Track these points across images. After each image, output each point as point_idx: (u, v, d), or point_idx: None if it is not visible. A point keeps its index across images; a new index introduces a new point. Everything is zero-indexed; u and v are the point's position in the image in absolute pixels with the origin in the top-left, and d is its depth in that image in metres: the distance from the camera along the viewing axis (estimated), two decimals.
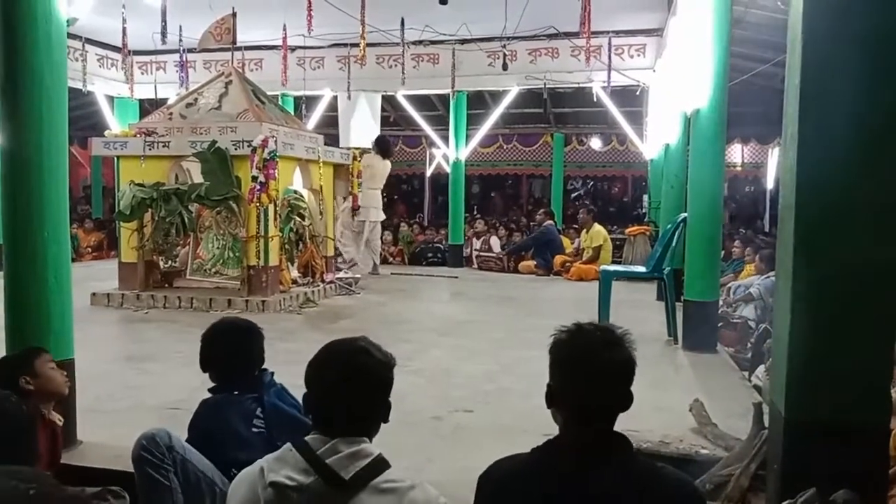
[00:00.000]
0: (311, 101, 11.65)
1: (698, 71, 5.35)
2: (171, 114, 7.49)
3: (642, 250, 9.62)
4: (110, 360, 4.99)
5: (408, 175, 20.59)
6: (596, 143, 17.46)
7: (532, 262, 10.58)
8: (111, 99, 11.47)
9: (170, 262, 7.60)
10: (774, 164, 14.44)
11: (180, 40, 8.44)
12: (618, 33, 9.47)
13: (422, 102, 13.23)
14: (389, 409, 1.75)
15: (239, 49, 9.19)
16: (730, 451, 3.11)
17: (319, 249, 8.11)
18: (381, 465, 1.64)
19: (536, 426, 3.59)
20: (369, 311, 7.24)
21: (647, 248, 9.40)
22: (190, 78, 10.07)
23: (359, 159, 8.81)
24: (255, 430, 2.49)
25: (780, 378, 2.44)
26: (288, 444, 1.68)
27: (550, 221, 11.12)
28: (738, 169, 17.27)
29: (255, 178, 6.60)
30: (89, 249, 12.60)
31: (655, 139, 10.01)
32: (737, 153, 16.82)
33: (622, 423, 1.68)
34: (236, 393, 2.57)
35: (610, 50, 9.36)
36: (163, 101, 9.69)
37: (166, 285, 7.47)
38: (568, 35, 9.42)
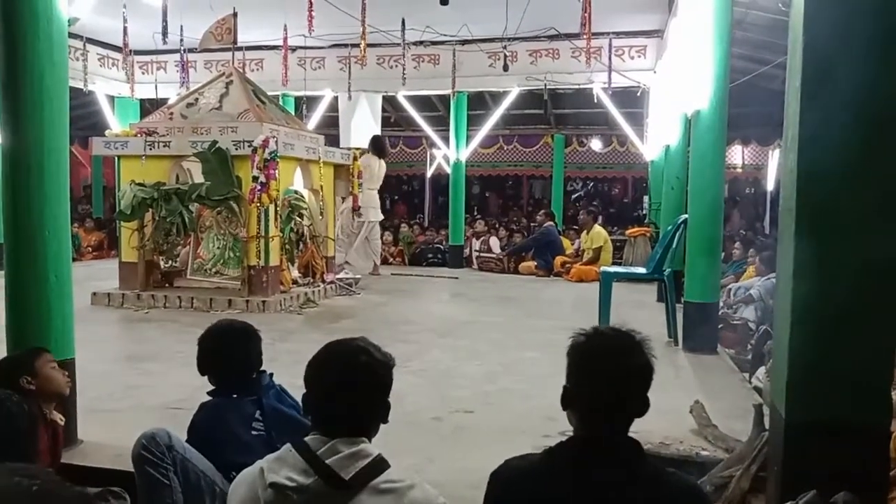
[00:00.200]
0: (311, 101, 11.66)
1: (699, 72, 5.35)
2: (171, 114, 7.50)
3: (643, 251, 9.63)
4: (111, 360, 4.99)
5: (408, 176, 20.58)
6: (596, 145, 17.46)
7: (532, 263, 10.59)
8: (112, 99, 11.48)
9: (170, 261, 7.60)
10: (775, 166, 14.43)
11: (181, 40, 8.44)
12: (618, 34, 9.47)
13: (422, 103, 13.23)
14: (389, 410, 1.75)
15: (240, 49, 9.21)
16: (730, 452, 3.11)
17: (320, 250, 8.12)
18: (380, 465, 1.64)
19: (536, 427, 3.62)
20: (370, 311, 7.24)
21: (648, 249, 9.40)
22: (191, 78, 10.09)
23: (359, 160, 8.82)
24: (254, 432, 2.49)
25: (780, 379, 2.43)
26: (287, 445, 1.68)
27: (551, 222, 11.13)
28: (739, 170, 17.26)
29: (255, 179, 6.60)
30: (90, 249, 12.60)
31: (656, 140, 10.02)
32: (737, 155, 16.81)
33: None
34: (235, 396, 2.57)
35: (610, 51, 9.36)
36: (163, 101, 9.70)
37: (167, 285, 7.48)
38: (568, 36, 9.43)
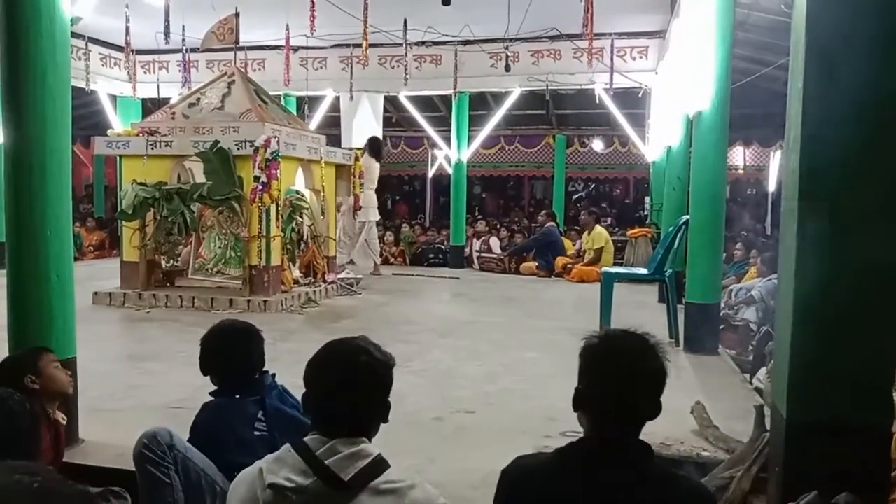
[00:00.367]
0: (313, 101, 11.67)
1: (700, 73, 5.35)
2: (173, 113, 7.50)
3: (644, 252, 9.62)
4: (112, 360, 4.99)
5: (409, 176, 20.58)
6: (598, 145, 17.45)
7: (533, 264, 10.59)
8: (114, 98, 11.49)
9: (172, 261, 7.60)
10: (776, 167, 14.42)
11: (183, 40, 8.46)
12: (620, 35, 9.48)
13: (424, 103, 13.23)
14: (389, 410, 1.74)
15: (242, 49, 9.20)
16: (731, 453, 3.11)
17: (321, 249, 8.12)
18: (380, 465, 1.64)
19: (537, 427, 3.62)
20: (371, 311, 7.24)
21: (649, 250, 9.40)
22: (192, 77, 10.10)
23: (360, 160, 8.82)
24: (257, 432, 2.49)
25: (781, 380, 2.43)
26: (287, 445, 1.67)
27: (552, 223, 11.13)
28: (740, 171, 17.25)
29: (257, 178, 6.60)
30: (91, 248, 12.61)
31: (657, 141, 10.01)
32: (739, 156, 16.80)
33: None
34: (237, 396, 2.57)
35: (612, 52, 9.36)
36: (165, 101, 9.71)
37: (168, 285, 7.48)
38: (570, 37, 9.43)
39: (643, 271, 6.53)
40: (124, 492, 2.57)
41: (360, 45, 7.86)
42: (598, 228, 10.54)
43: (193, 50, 9.38)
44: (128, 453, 2.42)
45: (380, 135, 10.83)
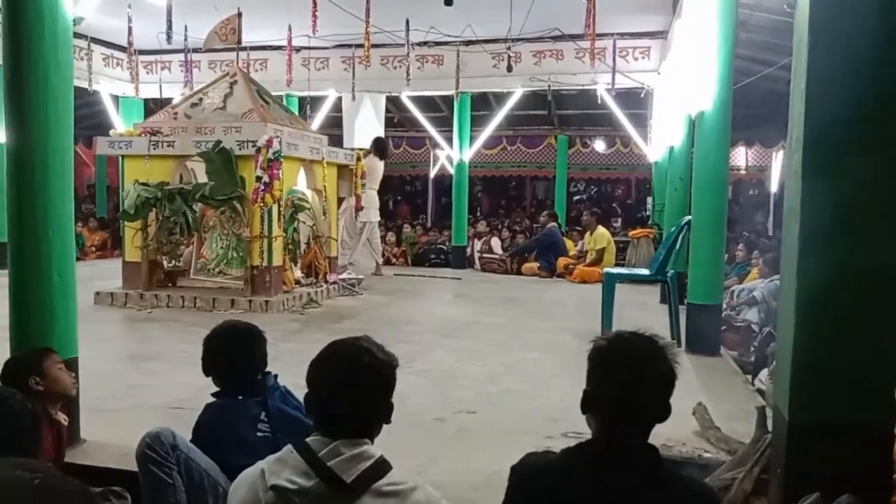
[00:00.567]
0: (315, 101, 11.68)
1: (703, 73, 5.34)
2: (175, 113, 7.51)
3: (646, 253, 9.61)
4: (114, 360, 5.00)
5: (411, 176, 20.57)
6: (600, 146, 17.43)
7: (535, 264, 10.59)
8: (116, 98, 11.50)
9: (173, 261, 7.61)
10: (779, 168, 14.41)
11: (185, 40, 8.47)
12: (622, 35, 9.48)
13: (426, 103, 13.23)
14: (392, 410, 1.73)
15: (244, 49, 9.22)
16: (733, 454, 3.11)
17: (323, 250, 8.12)
18: (383, 467, 1.63)
19: (539, 428, 3.62)
20: (372, 311, 7.24)
21: (651, 250, 9.39)
22: (195, 78, 10.12)
23: (363, 160, 8.82)
24: (259, 433, 2.49)
25: (783, 381, 2.43)
26: (289, 446, 1.66)
27: (554, 223, 11.12)
28: (743, 172, 17.22)
29: (259, 178, 6.61)
30: (93, 248, 12.62)
31: (659, 141, 10.01)
32: (741, 156, 16.77)
33: None
34: (240, 397, 2.56)
35: (614, 52, 9.36)
36: (168, 101, 9.72)
37: (170, 285, 7.49)
38: (572, 37, 9.43)
39: (645, 272, 6.52)
40: (124, 491, 2.57)
41: (362, 46, 7.86)
42: (600, 229, 10.53)
43: (196, 50, 9.40)
44: (129, 453, 2.42)
45: (382, 135, 10.83)
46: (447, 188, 15.01)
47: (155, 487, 2.30)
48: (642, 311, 6.94)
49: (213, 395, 2.62)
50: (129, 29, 8.25)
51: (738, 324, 7.27)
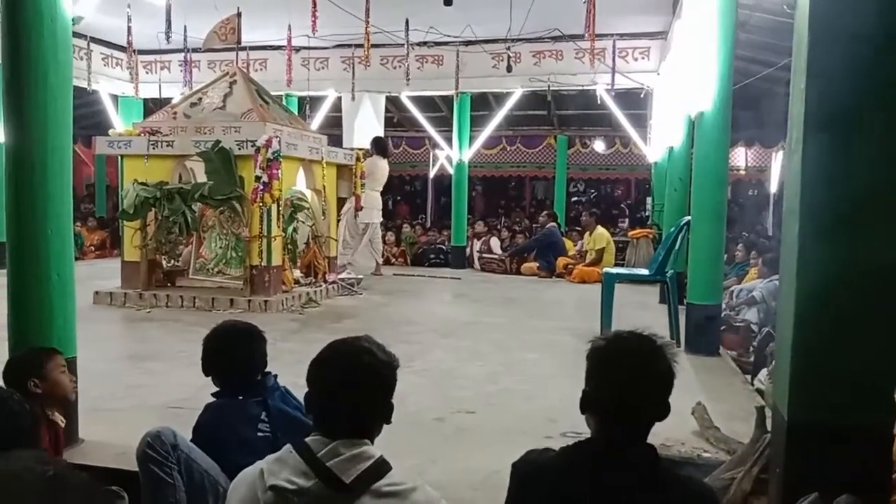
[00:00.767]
0: (314, 101, 11.67)
1: (702, 74, 5.34)
2: (175, 113, 7.50)
3: (645, 253, 9.62)
4: (113, 359, 4.99)
5: (411, 176, 20.57)
6: (599, 146, 17.44)
7: (534, 264, 10.59)
8: (115, 98, 11.49)
9: (173, 261, 7.61)
10: (778, 168, 14.41)
11: (185, 40, 8.46)
12: (622, 36, 9.47)
13: (425, 104, 13.23)
14: (392, 411, 1.73)
15: (243, 49, 9.19)
16: (732, 454, 3.11)
17: (322, 250, 8.12)
18: (382, 467, 1.62)
19: (538, 428, 3.62)
20: (372, 311, 7.24)
21: (650, 250, 9.39)
22: (194, 77, 10.11)
23: (362, 160, 8.82)
24: (260, 433, 2.49)
25: (782, 382, 2.43)
26: (288, 446, 1.66)
27: (553, 223, 11.13)
28: (742, 172, 17.23)
29: (258, 178, 6.61)
30: (92, 248, 12.61)
31: (659, 142, 10.01)
32: (740, 157, 16.78)
33: None
34: (240, 397, 2.56)
35: (614, 52, 9.36)
36: (167, 101, 9.71)
37: (169, 284, 7.48)
38: (572, 37, 9.42)
39: (644, 272, 6.52)
40: (122, 491, 2.56)
41: (361, 46, 7.86)
42: (600, 229, 10.53)
43: (195, 50, 9.39)
44: (128, 453, 2.42)
45: (381, 135, 10.82)
46: (447, 188, 15.02)
47: (155, 487, 2.30)
48: (642, 311, 6.94)
49: (213, 394, 2.62)
50: (129, 28, 8.24)
51: (737, 324, 7.26)
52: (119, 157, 7.64)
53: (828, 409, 2.31)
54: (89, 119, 12.73)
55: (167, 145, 7.15)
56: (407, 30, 8.41)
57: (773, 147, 14.68)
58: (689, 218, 5.66)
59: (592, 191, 20.74)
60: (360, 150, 9.24)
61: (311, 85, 10.46)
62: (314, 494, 1.57)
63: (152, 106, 11.51)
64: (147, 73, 11.36)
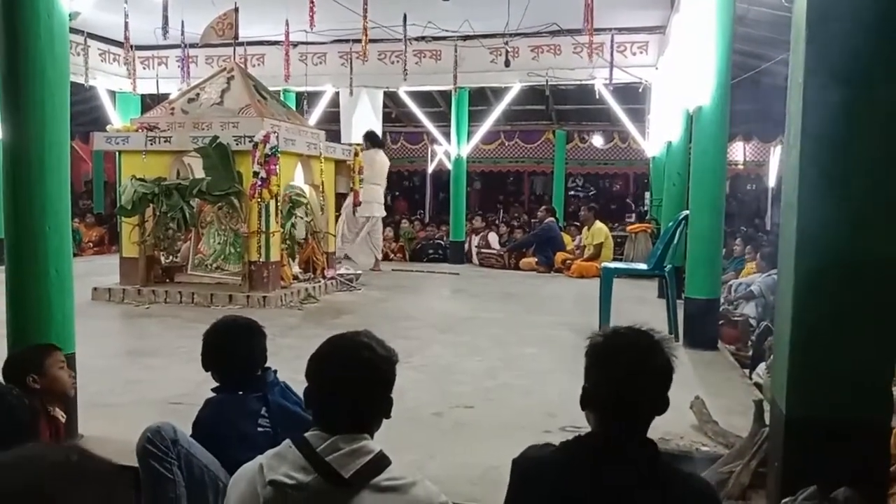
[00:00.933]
0: (312, 96, 11.65)
1: (701, 68, 5.34)
2: (172, 109, 7.49)
3: (643, 248, 9.62)
4: (111, 355, 4.99)
5: (409, 171, 20.55)
6: (598, 141, 17.44)
7: (533, 259, 10.59)
8: (113, 94, 11.46)
9: (171, 257, 7.60)
10: (777, 163, 14.42)
11: (182, 35, 8.44)
12: (620, 30, 9.45)
13: (424, 99, 13.21)
14: (391, 405, 1.73)
15: (241, 44, 9.20)
16: (730, 448, 3.11)
17: (320, 245, 8.12)
18: (381, 462, 1.63)
19: (536, 423, 3.62)
20: (370, 307, 7.24)
21: (649, 245, 9.39)
22: (192, 73, 10.08)
23: (360, 155, 8.81)
24: (260, 429, 2.49)
25: (781, 376, 2.44)
26: (287, 441, 1.66)
27: (552, 218, 11.12)
28: (741, 167, 17.23)
29: (256, 174, 6.60)
30: (91, 244, 12.60)
31: (657, 136, 10.00)
32: (739, 151, 16.78)
33: None
34: (240, 393, 2.57)
35: (612, 47, 9.34)
36: (164, 97, 9.69)
37: (167, 280, 7.48)
38: (570, 32, 9.40)
39: (643, 266, 6.53)
40: None
41: (359, 41, 7.84)
42: (598, 224, 10.52)
43: (192, 45, 9.36)
44: (127, 449, 2.42)
45: (379, 130, 10.81)
46: (445, 183, 15.01)
47: (155, 482, 2.30)
48: (640, 306, 6.95)
49: (212, 390, 2.63)
50: (126, 24, 8.22)
51: (735, 318, 7.27)
52: (117, 153, 7.63)
53: (826, 403, 2.31)
54: (87, 115, 12.70)
55: (165, 141, 7.13)
56: (405, 25, 8.39)
57: (771, 141, 14.68)
58: (688, 212, 5.66)
59: (591, 187, 20.72)
60: (358, 145, 9.24)
61: (309, 80, 10.44)
62: (313, 489, 1.58)
63: (150, 102, 11.47)
64: (144, 68, 11.34)
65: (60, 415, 2.81)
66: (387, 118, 13.36)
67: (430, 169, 18.24)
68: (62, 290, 3.15)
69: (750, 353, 6.41)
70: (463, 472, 3.02)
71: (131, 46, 9.05)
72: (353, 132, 10.64)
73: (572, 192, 19.96)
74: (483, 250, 11.36)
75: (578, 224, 11.67)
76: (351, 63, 10.00)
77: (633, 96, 11.16)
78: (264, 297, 6.81)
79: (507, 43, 9.14)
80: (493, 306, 7.41)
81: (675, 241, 5.87)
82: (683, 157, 7.70)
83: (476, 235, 11.87)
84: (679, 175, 7.68)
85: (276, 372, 2.66)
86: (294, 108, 9.73)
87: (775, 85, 9.02)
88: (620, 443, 1.62)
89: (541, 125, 16.64)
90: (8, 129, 3.06)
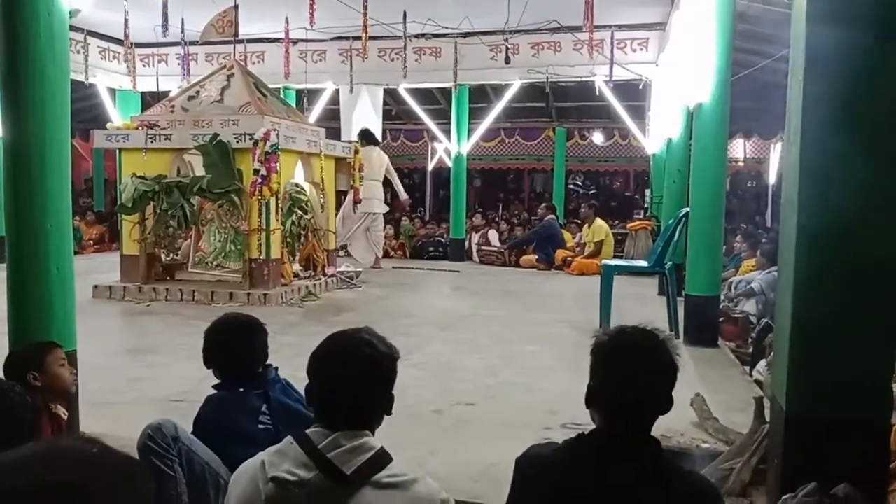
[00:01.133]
0: (312, 94, 11.65)
1: (701, 65, 5.34)
2: (173, 106, 7.49)
3: (644, 245, 9.62)
4: (112, 353, 5.00)
5: (409, 169, 20.50)
6: (598, 138, 17.41)
7: (533, 257, 10.59)
8: (113, 91, 11.46)
9: (171, 255, 7.61)
10: (777, 160, 14.41)
11: (182, 33, 8.43)
12: (620, 27, 9.45)
13: (424, 96, 13.20)
14: (392, 402, 1.73)
15: (241, 42, 9.19)
16: (731, 445, 3.12)
17: (321, 243, 8.12)
18: (383, 459, 1.63)
19: (537, 420, 3.63)
20: (371, 304, 7.25)
21: (649, 242, 9.39)
22: (192, 70, 10.08)
23: (360, 153, 8.81)
24: (261, 426, 2.49)
25: (781, 373, 2.44)
26: (289, 438, 1.66)
27: (552, 216, 11.12)
28: (741, 164, 17.20)
29: (256, 171, 6.60)
30: (91, 242, 12.61)
31: (658, 134, 10.00)
32: (739, 148, 16.75)
33: None
34: (241, 390, 2.57)
35: (612, 44, 9.34)
36: (165, 94, 9.69)
37: (168, 278, 7.49)
38: (570, 29, 9.40)
39: (643, 264, 6.53)
40: None
41: (359, 38, 7.85)
42: (599, 221, 10.53)
43: (192, 43, 9.36)
44: (129, 446, 2.42)
45: (379, 127, 10.80)
46: (445, 181, 15.01)
47: (156, 479, 2.30)
48: (640, 303, 6.96)
49: (213, 387, 2.63)
50: (126, 21, 8.21)
51: (735, 315, 7.27)
52: (117, 151, 7.63)
53: (826, 399, 2.31)
54: (87, 113, 12.70)
55: (165, 139, 7.14)
56: (405, 22, 8.38)
57: (771, 138, 14.67)
58: (688, 209, 5.66)
59: (591, 184, 20.69)
60: (357, 143, 9.24)
61: (309, 77, 10.43)
62: (315, 486, 1.58)
63: (150, 99, 11.48)
64: (144, 66, 11.33)
65: (62, 412, 2.81)
66: (387, 115, 13.35)
67: (431, 166, 18.23)
68: (63, 287, 3.15)
69: (750, 350, 6.40)
70: (464, 468, 3.02)
71: (131, 44, 9.05)
72: (354, 129, 10.63)
73: (571, 186, 19.92)
74: (483, 248, 11.37)
75: (579, 221, 11.67)
76: (351, 60, 10.00)
77: (633, 93, 11.15)
78: (265, 295, 6.81)
79: (507, 40, 9.13)
80: (493, 304, 7.42)
81: (676, 239, 5.87)
82: (684, 154, 7.70)
83: (476, 233, 11.87)
84: (679, 172, 7.68)
85: (277, 369, 2.66)
86: (294, 106, 9.73)
87: (775, 82, 9.01)
88: (625, 441, 1.63)
89: (541, 122, 16.63)
90: (8, 127, 3.06)
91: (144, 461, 2.33)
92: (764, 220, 14.90)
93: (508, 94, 11.61)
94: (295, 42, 9.76)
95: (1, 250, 3.53)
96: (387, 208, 10.11)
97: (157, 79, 11.04)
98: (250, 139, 6.67)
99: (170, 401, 3.78)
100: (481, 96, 12.93)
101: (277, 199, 6.94)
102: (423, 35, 9.91)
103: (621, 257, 9.89)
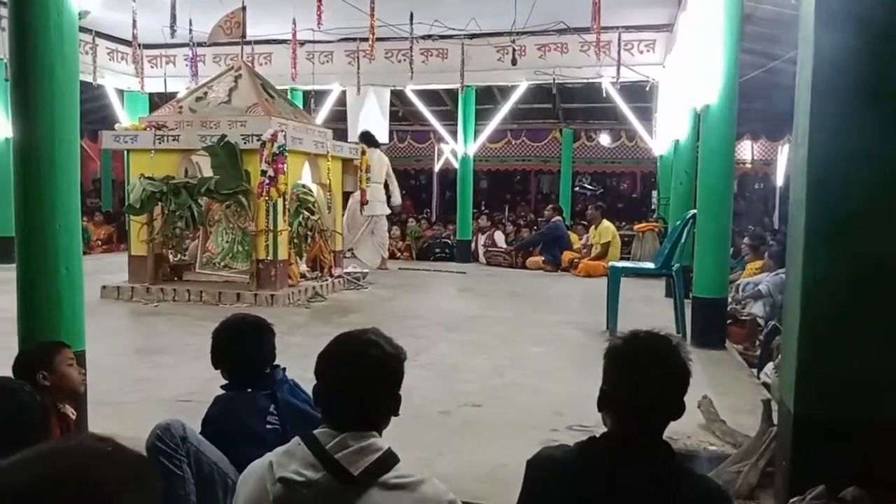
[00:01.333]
0: (320, 95, 11.67)
1: (708, 67, 5.33)
2: (180, 107, 7.52)
3: (651, 247, 9.60)
4: (121, 353, 5.02)
5: (416, 170, 20.56)
6: (605, 139, 17.40)
7: (540, 258, 10.59)
8: (121, 92, 11.51)
9: (179, 255, 7.63)
10: (785, 161, 14.36)
11: (190, 34, 8.47)
12: (627, 28, 9.45)
13: (430, 97, 13.21)
14: (399, 403, 1.74)
15: (248, 43, 9.22)
16: (738, 447, 3.11)
17: (328, 244, 8.13)
18: (390, 459, 1.63)
19: (544, 421, 3.63)
20: (377, 305, 7.26)
21: (656, 244, 9.37)
22: (200, 72, 10.11)
23: (367, 154, 8.81)
24: (269, 426, 2.50)
25: (789, 375, 2.43)
26: (296, 438, 1.67)
27: (559, 217, 11.11)
28: (748, 166, 17.17)
29: (264, 172, 6.62)
30: (99, 243, 12.66)
31: (665, 135, 9.98)
32: (746, 150, 16.72)
33: None
34: (249, 390, 2.58)
35: (619, 45, 9.33)
36: (172, 95, 9.72)
37: (176, 279, 7.51)
38: (577, 30, 9.40)
39: (650, 266, 6.51)
40: None
41: (366, 39, 7.86)
42: (605, 223, 10.51)
43: (200, 44, 9.39)
44: (137, 446, 2.42)
45: (386, 129, 10.81)
46: (452, 182, 15.01)
47: (164, 479, 2.31)
48: (647, 305, 6.94)
49: (221, 387, 2.63)
50: (134, 23, 8.26)
51: (743, 317, 7.25)
52: (125, 152, 7.65)
53: (834, 402, 2.31)
54: (95, 114, 12.75)
55: (173, 140, 7.16)
56: (411, 23, 8.40)
57: (779, 140, 14.63)
58: (695, 211, 5.64)
59: (598, 185, 20.67)
60: (361, 144, 9.24)
61: (316, 79, 10.46)
62: (322, 486, 1.58)
63: (158, 100, 11.51)
64: (152, 67, 11.38)
65: (71, 412, 2.82)
66: (394, 117, 13.36)
67: (437, 168, 18.24)
68: (72, 287, 3.16)
69: (758, 352, 6.38)
70: (471, 470, 3.02)
71: (139, 45, 9.09)
72: (360, 131, 10.65)
73: (577, 188, 19.91)
74: (490, 249, 11.37)
75: (585, 223, 11.66)
76: (358, 62, 10.02)
77: (640, 95, 11.14)
78: (272, 296, 6.83)
79: (513, 41, 9.13)
80: (499, 305, 7.41)
81: (683, 241, 5.86)
82: (691, 155, 7.68)
83: (483, 234, 11.87)
84: (686, 174, 7.67)
85: (284, 370, 2.67)
86: (301, 107, 9.75)
87: (783, 83, 8.98)
88: (639, 444, 1.63)
89: (548, 124, 16.62)
90: (18, 128, 3.07)
91: (153, 461, 2.34)
92: (771, 221, 14.85)
93: (515, 96, 11.61)
94: (302, 43, 9.79)
95: (10, 250, 3.54)
96: (389, 210, 10.12)
97: (165, 80, 11.08)
98: (258, 140, 6.69)
99: (178, 401, 3.79)
100: (488, 97, 12.93)
101: (285, 200, 6.95)
102: (429, 36, 9.93)
103: (628, 259, 9.88)
